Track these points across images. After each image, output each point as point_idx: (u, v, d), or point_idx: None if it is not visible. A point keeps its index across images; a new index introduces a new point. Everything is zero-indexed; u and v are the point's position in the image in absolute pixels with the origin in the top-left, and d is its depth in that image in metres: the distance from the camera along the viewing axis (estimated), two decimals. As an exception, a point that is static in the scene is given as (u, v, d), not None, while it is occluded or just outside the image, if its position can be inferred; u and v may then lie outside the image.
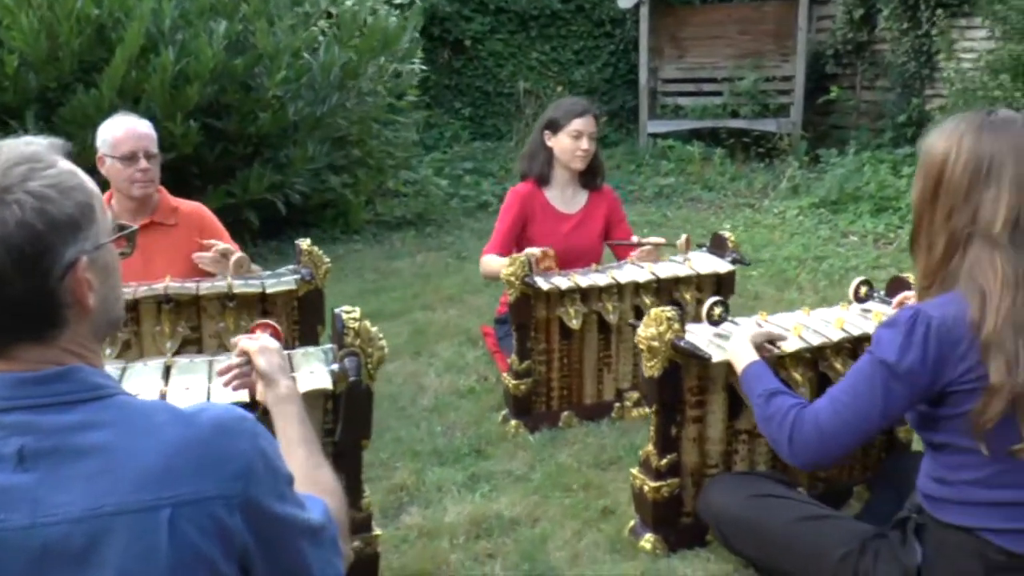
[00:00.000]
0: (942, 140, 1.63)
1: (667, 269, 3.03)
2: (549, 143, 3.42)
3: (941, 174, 1.62)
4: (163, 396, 1.63)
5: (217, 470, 1.02)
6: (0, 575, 0.95)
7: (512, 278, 2.85)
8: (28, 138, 1.07)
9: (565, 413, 2.98)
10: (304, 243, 2.75)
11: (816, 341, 2.16)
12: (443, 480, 2.58)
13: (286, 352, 1.81)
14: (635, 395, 2.99)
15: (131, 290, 2.49)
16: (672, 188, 7.58)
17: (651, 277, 2.97)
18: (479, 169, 8.16)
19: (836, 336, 2.19)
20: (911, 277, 2.17)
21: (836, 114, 8.71)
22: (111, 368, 1.74)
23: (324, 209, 6.16)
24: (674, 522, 2.19)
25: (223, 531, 1.01)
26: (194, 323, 2.57)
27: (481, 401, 3.20)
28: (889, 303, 2.33)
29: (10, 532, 0.95)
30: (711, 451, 2.21)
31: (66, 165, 1.07)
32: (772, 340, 2.08)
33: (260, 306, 2.62)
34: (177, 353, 2.51)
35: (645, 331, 2.08)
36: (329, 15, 6.02)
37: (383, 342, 1.76)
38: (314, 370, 1.73)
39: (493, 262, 3.27)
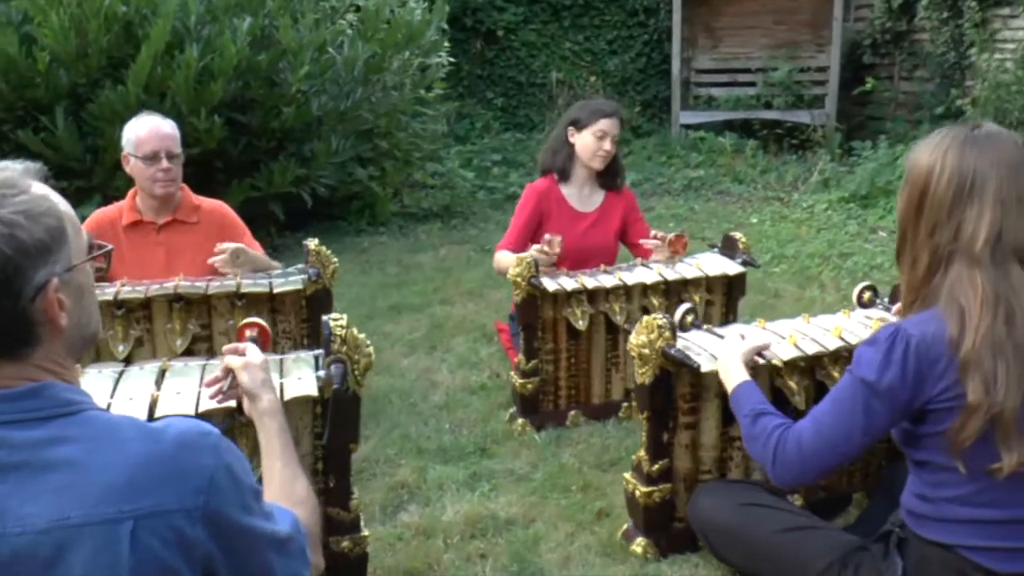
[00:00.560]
0: (927, 154, 1.62)
1: (675, 271, 3.03)
2: (572, 139, 3.43)
3: (925, 189, 1.60)
4: (154, 401, 1.69)
5: (179, 484, 1.06)
6: None
7: (518, 279, 2.88)
8: (4, 163, 1.12)
9: (572, 412, 2.99)
10: (312, 243, 2.80)
11: (812, 350, 2.15)
12: (444, 478, 2.61)
13: (277, 357, 1.87)
14: (643, 395, 3.00)
15: (143, 288, 2.57)
16: (701, 180, 7.51)
17: (659, 279, 2.97)
18: (508, 160, 8.17)
19: (833, 345, 2.17)
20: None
21: (873, 105, 8.53)
22: (109, 372, 1.81)
23: (351, 201, 6.22)
24: (666, 527, 2.20)
25: (185, 542, 1.05)
26: (204, 321, 2.64)
27: (491, 398, 3.23)
28: (891, 311, 2.31)
29: None
30: (705, 457, 2.21)
31: (39, 190, 1.11)
32: (760, 352, 2.07)
33: (269, 305, 2.68)
34: (187, 351, 2.59)
35: (636, 338, 2.10)
36: (357, 8, 6.06)
37: (370, 349, 1.80)
38: (302, 376, 1.78)
39: (505, 258, 3.29)
